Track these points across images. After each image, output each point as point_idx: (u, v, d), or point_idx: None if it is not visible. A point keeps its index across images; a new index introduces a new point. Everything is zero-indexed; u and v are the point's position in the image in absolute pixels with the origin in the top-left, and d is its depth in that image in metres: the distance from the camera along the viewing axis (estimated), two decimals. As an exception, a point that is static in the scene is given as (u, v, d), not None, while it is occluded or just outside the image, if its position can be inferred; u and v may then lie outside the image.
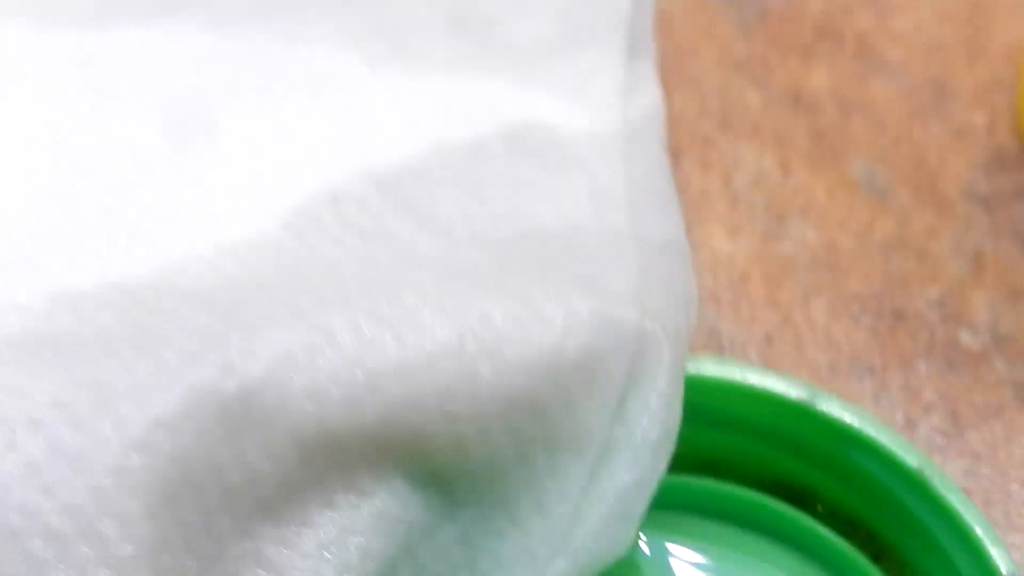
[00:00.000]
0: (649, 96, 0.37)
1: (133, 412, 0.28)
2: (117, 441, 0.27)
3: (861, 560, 0.33)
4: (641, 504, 0.30)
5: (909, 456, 0.32)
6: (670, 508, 0.33)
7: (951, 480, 0.32)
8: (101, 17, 0.37)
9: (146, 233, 0.33)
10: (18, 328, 0.30)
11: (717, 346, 0.37)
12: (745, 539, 0.34)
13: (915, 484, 0.32)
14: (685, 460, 0.31)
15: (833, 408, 0.33)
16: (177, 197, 0.33)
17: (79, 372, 0.28)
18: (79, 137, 0.34)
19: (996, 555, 0.31)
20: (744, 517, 0.34)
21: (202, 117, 0.35)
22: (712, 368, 0.33)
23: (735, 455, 0.34)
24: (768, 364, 0.36)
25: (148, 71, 0.36)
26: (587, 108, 0.36)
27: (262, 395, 0.28)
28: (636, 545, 0.33)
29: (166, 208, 0.33)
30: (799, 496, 0.34)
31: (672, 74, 0.40)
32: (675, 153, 0.36)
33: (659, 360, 0.31)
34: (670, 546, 0.34)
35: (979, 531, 0.31)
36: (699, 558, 0.34)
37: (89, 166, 0.34)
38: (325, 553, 0.29)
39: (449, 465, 0.30)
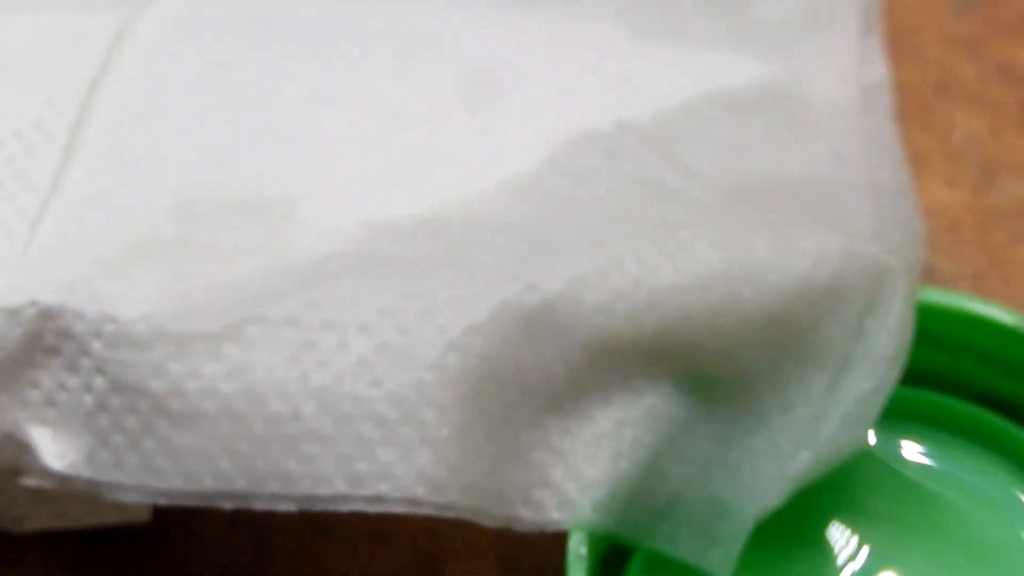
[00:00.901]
0: (879, 68, 0.37)
1: (452, 319, 0.29)
2: (437, 343, 0.29)
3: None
4: (876, 408, 0.31)
5: None
6: (897, 415, 0.33)
7: None
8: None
9: (445, 174, 0.34)
10: (343, 249, 0.31)
11: (932, 282, 0.37)
12: (958, 444, 0.34)
13: None
14: (911, 374, 0.31)
15: None
16: (470, 146, 0.35)
17: (405, 286, 0.30)
18: (391, 97, 0.36)
19: None
20: (958, 425, 0.34)
21: (492, 83, 0.35)
22: (938, 297, 0.33)
23: (954, 371, 0.34)
24: (978, 296, 0.36)
25: (447, 40, 0.37)
26: (828, 79, 0.36)
27: (559, 309, 0.30)
28: (868, 444, 0.32)
29: (462, 155, 0.34)
30: (1008, 408, 0.34)
31: (897, 48, 0.40)
32: (899, 117, 0.36)
33: (895, 288, 0.31)
34: (899, 443, 0.34)
35: None
36: (920, 458, 0.33)
37: (399, 120, 0.35)
38: (602, 441, 0.30)
39: (711, 371, 0.31)
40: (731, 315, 0.30)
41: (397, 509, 0.28)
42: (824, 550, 0.32)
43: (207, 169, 0.33)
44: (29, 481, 0.30)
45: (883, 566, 0.32)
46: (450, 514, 0.28)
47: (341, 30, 0.37)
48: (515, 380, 0.29)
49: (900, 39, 0.41)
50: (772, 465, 0.31)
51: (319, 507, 0.28)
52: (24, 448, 0.30)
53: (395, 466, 0.28)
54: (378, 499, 0.28)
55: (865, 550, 0.32)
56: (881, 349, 0.31)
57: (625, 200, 0.33)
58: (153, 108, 0.34)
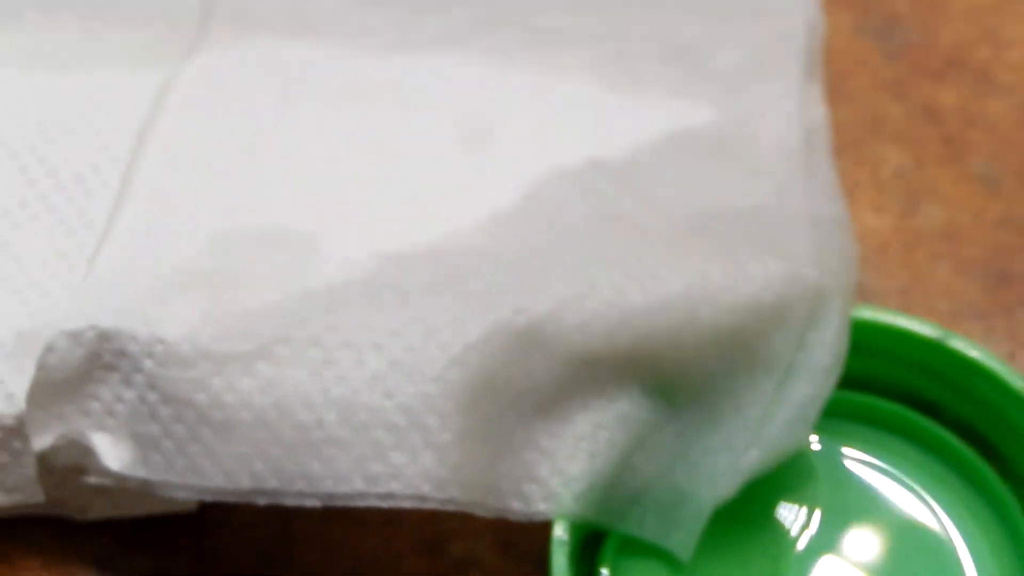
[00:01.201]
0: (819, 110, 0.38)
1: (452, 339, 0.30)
2: (440, 359, 0.30)
3: (973, 456, 0.34)
4: (816, 411, 0.31)
5: (1018, 381, 0.32)
6: (834, 415, 0.34)
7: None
8: (400, 47, 0.39)
9: (442, 209, 0.35)
10: (357, 277, 0.32)
11: (863, 297, 0.38)
12: (886, 438, 0.35)
13: (1019, 399, 0.32)
14: (847, 379, 0.32)
15: (960, 344, 0.33)
16: (464, 184, 0.36)
17: (411, 311, 0.31)
18: (392, 139, 0.36)
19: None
20: (885, 422, 0.35)
21: (482, 128, 0.36)
22: (869, 313, 0.33)
23: (883, 377, 0.34)
24: (903, 311, 0.37)
25: (442, 91, 0.38)
26: (774, 122, 0.37)
27: (543, 328, 0.31)
28: (810, 442, 0.33)
29: (457, 192, 0.35)
30: (929, 408, 0.34)
31: (834, 92, 0.41)
32: (836, 152, 0.37)
33: (832, 307, 0.32)
34: (836, 439, 0.35)
35: None
36: (854, 451, 0.34)
37: (402, 163, 0.36)
38: (582, 442, 0.31)
39: (674, 380, 0.32)
40: (690, 332, 0.31)
41: (407, 504, 0.29)
42: (773, 533, 0.32)
43: (239, 209, 0.34)
44: (91, 479, 0.31)
45: (823, 546, 0.32)
46: (451, 507, 0.29)
47: (350, 83, 0.38)
48: (507, 390, 0.30)
49: (836, 84, 0.42)
50: (726, 459, 0.31)
51: (339, 503, 0.29)
52: (87, 451, 0.31)
53: (405, 467, 0.29)
54: (390, 496, 0.29)
55: (808, 533, 0.32)
56: (820, 360, 0.31)
57: (597, 231, 0.34)
58: (193, 154, 0.35)
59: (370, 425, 0.29)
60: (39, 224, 0.34)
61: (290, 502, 0.30)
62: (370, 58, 0.38)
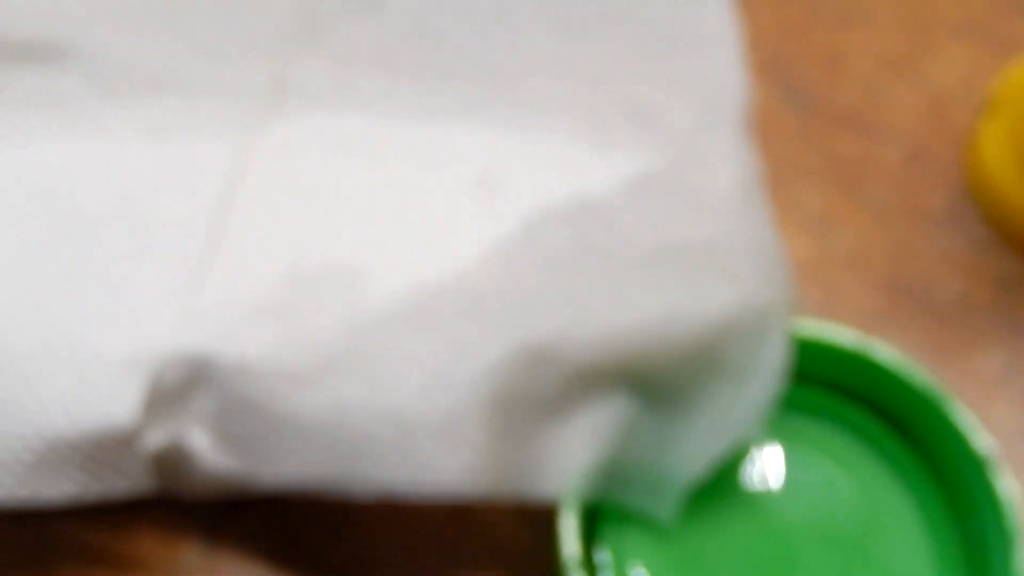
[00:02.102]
0: (751, 159, 0.34)
1: (481, 357, 0.28)
2: (472, 374, 0.27)
3: (891, 436, 0.31)
4: (767, 406, 0.29)
5: (917, 375, 0.29)
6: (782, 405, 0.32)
7: (944, 388, 0.31)
8: (425, 116, 0.35)
9: (462, 247, 0.31)
10: (399, 306, 0.29)
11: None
12: (822, 421, 0.31)
13: (922, 395, 0.30)
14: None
15: (877, 351, 0.30)
16: (478, 225, 0.32)
17: (447, 334, 0.28)
18: (422, 192, 0.33)
19: (972, 435, 0.29)
20: (820, 408, 0.31)
21: (492, 180, 0.33)
22: (804, 327, 0.30)
23: (818, 373, 0.31)
24: (823, 317, 0.33)
25: (460, 153, 0.34)
26: (719, 170, 0.33)
27: (551, 347, 0.29)
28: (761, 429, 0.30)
29: (473, 233, 0.32)
30: (852, 395, 0.31)
31: (759, 140, 0.37)
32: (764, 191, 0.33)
33: (775, 323, 0.30)
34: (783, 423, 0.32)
35: (958, 417, 0.29)
36: (796, 432, 0.31)
37: (428, 207, 0.33)
38: (585, 436, 0.29)
39: (654, 385, 0.30)
40: (665, 346, 0.29)
41: (449, 498, 0.25)
42: (737, 502, 0.30)
43: (308, 247, 0.31)
44: (196, 468, 0.28)
45: (775, 508, 0.30)
46: (484, 497, 0.26)
47: (389, 148, 0.34)
48: (524, 396, 0.28)
49: (759, 135, 0.38)
50: (696, 444, 0.29)
51: (395, 496, 0.25)
52: (192, 446, 0.27)
53: (447, 466, 0.26)
54: (437, 490, 0.26)
55: (764, 500, 0.30)
56: (769, 366, 0.29)
57: (586, 264, 0.31)
58: (268, 204, 0.32)
59: (418, 429, 0.26)
60: (150, 263, 0.30)
61: (355, 494, 0.26)
62: (403, 126, 0.35)
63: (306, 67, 0.37)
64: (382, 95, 0.36)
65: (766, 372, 0.29)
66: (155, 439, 0.27)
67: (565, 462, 0.28)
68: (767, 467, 0.31)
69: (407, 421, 0.26)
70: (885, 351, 0.30)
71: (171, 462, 0.28)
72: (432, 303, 0.29)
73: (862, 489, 0.30)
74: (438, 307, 0.29)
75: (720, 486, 0.30)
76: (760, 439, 0.31)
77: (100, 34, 0.35)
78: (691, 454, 0.29)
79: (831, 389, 0.31)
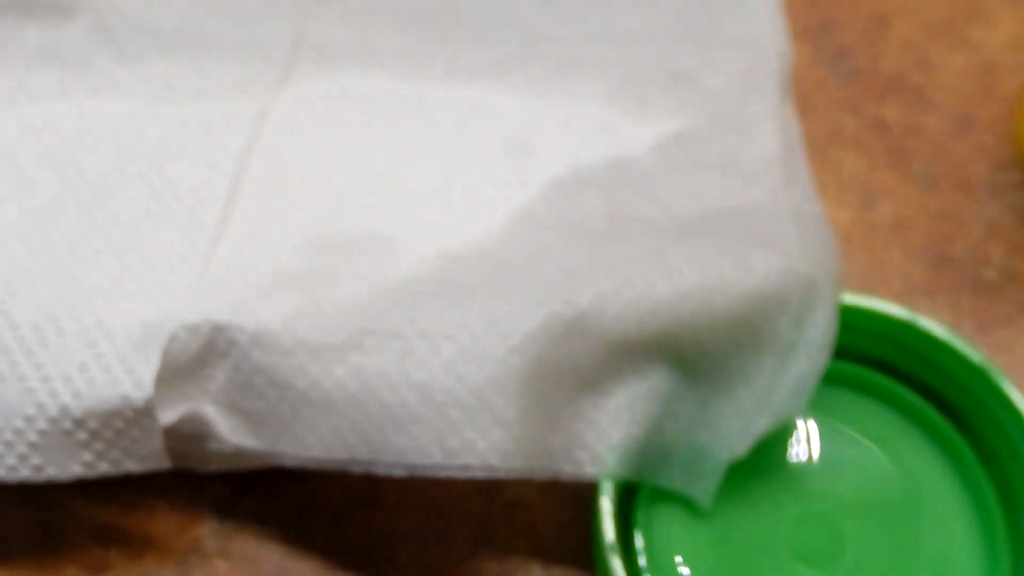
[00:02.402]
0: (794, 124, 0.32)
1: (512, 330, 0.26)
2: (503, 347, 0.25)
3: (935, 413, 0.29)
4: (813, 383, 0.27)
5: (973, 353, 0.27)
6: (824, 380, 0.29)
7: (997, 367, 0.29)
8: (451, 77, 0.34)
9: (495, 212, 0.30)
10: (428, 275, 0.27)
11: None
12: (862, 399, 0.30)
13: (977, 371, 0.28)
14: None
15: (925, 322, 0.29)
16: (510, 190, 0.30)
17: (476, 306, 0.26)
18: (450, 154, 0.32)
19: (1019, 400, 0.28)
20: (860, 384, 0.30)
21: (525, 143, 0.31)
22: (849, 298, 0.28)
23: (860, 348, 0.30)
24: (861, 288, 0.32)
25: (490, 116, 0.32)
26: (760, 135, 0.32)
27: (587, 318, 0.26)
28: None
29: (505, 197, 0.30)
30: (899, 374, 0.30)
31: (800, 107, 0.35)
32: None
33: (822, 293, 0.28)
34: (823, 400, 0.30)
35: (1012, 393, 0.28)
36: (836, 408, 0.30)
37: (458, 171, 0.31)
38: (621, 412, 0.26)
39: (694, 357, 0.27)
40: (707, 317, 0.27)
41: (479, 475, 0.24)
42: (776, 481, 0.28)
43: (328, 215, 0.29)
44: (212, 445, 0.26)
45: (816, 486, 0.28)
46: (515, 475, 0.24)
47: (415, 108, 0.32)
48: (557, 370, 0.26)
49: (801, 101, 0.36)
50: (737, 421, 0.27)
51: (422, 473, 0.24)
52: (206, 424, 0.26)
53: (477, 442, 0.24)
54: (466, 468, 0.24)
55: (804, 479, 0.28)
56: (815, 338, 0.27)
57: (624, 233, 0.29)
58: (286, 167, 0.30)
59: (446, 405, 0.24)
60: (162, 230, 0.28)
61: (380, 471, 0.25)
62: (429, 88, 0.33)
63: (326, 25, 0.35)
64: (407, 55, 0.35)
65: (812, 346, 0.27)
66: (168, 416, 0.25)
67: (600, 439, 0.26)
68: (806, 443, 0.29)
69: (435, 396, 0.24)
70: (934, 324, 0.28)
71: (186, 439, 0.26)
72: (460, 273, 0.27)
73: (904, 466, 0.28)
74: (467, 277, 0.27)
75: (757, 463, 0.28)
76: (800, 415, 0.29)
77: None
78: (732, 433, 0.26)
79: (870, 362, 0.30)
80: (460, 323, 0.25)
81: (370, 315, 0.25)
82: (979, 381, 0.28)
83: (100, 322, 0.26)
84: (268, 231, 0.28)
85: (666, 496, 0.27)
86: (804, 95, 0.37)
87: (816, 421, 0.29)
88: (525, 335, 0.25)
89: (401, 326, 0.25)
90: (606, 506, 0.25)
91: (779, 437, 0.28)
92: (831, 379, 0.29)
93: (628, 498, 0.27)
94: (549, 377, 0.25)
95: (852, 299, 0.29)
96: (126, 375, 0.25)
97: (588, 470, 0.26)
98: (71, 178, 0.29)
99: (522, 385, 0.25)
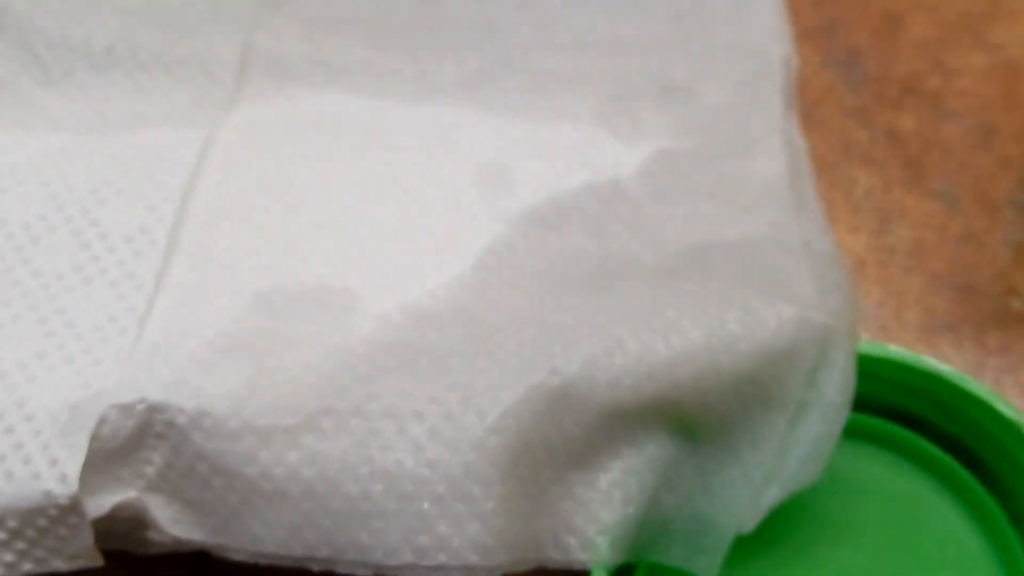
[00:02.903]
0: (799, 141, 0.29)
1: (489, 406, 0.23)
2: (479, 427, 0.22)
3: (962, 470, 0.26)
4: (829, 448, 0.25)
5: (1006, 408, 0.25)
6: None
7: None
8: (421, 94, 0.31)
9: (466, 258, 0.27)
10: (393, 339, 0.24)
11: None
12: (879, 451, 0.28)
13: (1010, 427, 0.26)
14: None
15: (953, 375, 0.26)
16: (485, 231, 0.27)
17: (448, 377, 0.23)
18: (417, 187, 0.28)
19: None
20: (881, 437, 0.28)
21: (500, 173, 0.28)
22: (867, 347, 0.26)
23: (871, 396, 0.27)
24: (877, 323, 0.29)
25: (462, 140, 0.29)
26: (763, 156, 0.29)
27: (576, 387, 0.23)
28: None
29: (478, 240, 0.27)
30: (915, 423, 0.27)
31: (806, 119, 0.32)
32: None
33: (839, 346, 0.25)
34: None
35: None
36: (854, 463, 0.27)
37: (428, 210, 0.28)
38: (614, 489, 0.23)
39: (696, 420, 0.25)
40: (711, 378, 0.24)
41: (456, 575, 0.21)
42: (787, 548, 0.26)
43: (280, 262, 0.26)
44: (152, 535, 0.23)
45: (830, 553, 0.26)
46: (497, 572, 0.22)
47: (378, 134, 0.29)
48: (542, 447, 0.23)
49: (808, 112, 0.34)
50: (745, 490, 0.24)
51: (390, 574, 0.21)
52: (144, 514, 0.23)
53: (451, 538, 0.21)
54: (440, 568, 0.22)
55: (818, 546, 0.26)
56: (831, 398, 0.25)
57: (612, 276, 0.26)
58: (233, 207, 0.27)
59: (415, 496, 0.22)
60: (91, 287, 0.25)
61: (343, 571, 0.22)
62: (395, 107, 0.30)
63: (278, 35, 0.32)
64: (368, 68, 0.32)
65: (827, 405, 0.24)
66: (100, 505, 0.22)
67: (590, 521, 0.23)
68: (820, 504, 0.26)
69: (403, 486, 0.21)
70: (961, 375, 0.26)
71: (122, 532, 0.23)
72: (430, 335, 0.24)
73: (929, 528, 0.26)
74: (437, 341, 0.24)
75: (765, 530, 0.25)
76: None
77: (32, 4, 0.31)
78: (738, 502, 0.24)
79: (890, 413, 0.27)
80: (430, 398, 0.22)
81: (327, 391, 0.23)
82: (1011, 437, 0.25)
83: (19, 403, 0.23)
84: (212, 285, 0.25)
85: (666, 572, 0.24)
86: (810, 104, 0.34)
87: (831, 479, 0.26)
88: (505, 411, 0.22)
89: (363, 403, 0.22)
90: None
91: (790, 499, 0.25)
92: (847, 432, 0.27)
93: (625, 571, 0.25)
94: (533, 457, 0.23)
95: (870, 348, 0.26)
96: (48, 468, 0.22)
97: (578, 556, 0.23)
98: None
99: (502, 470, 0.22)
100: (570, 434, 0.23)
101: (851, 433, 0.27)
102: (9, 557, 0.22)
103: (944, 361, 0.28)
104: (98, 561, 0.23)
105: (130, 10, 0.32)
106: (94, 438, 0.22)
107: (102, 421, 0.22)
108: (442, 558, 0.21)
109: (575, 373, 0.23)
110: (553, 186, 0.28)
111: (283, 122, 0.29)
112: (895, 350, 0.26)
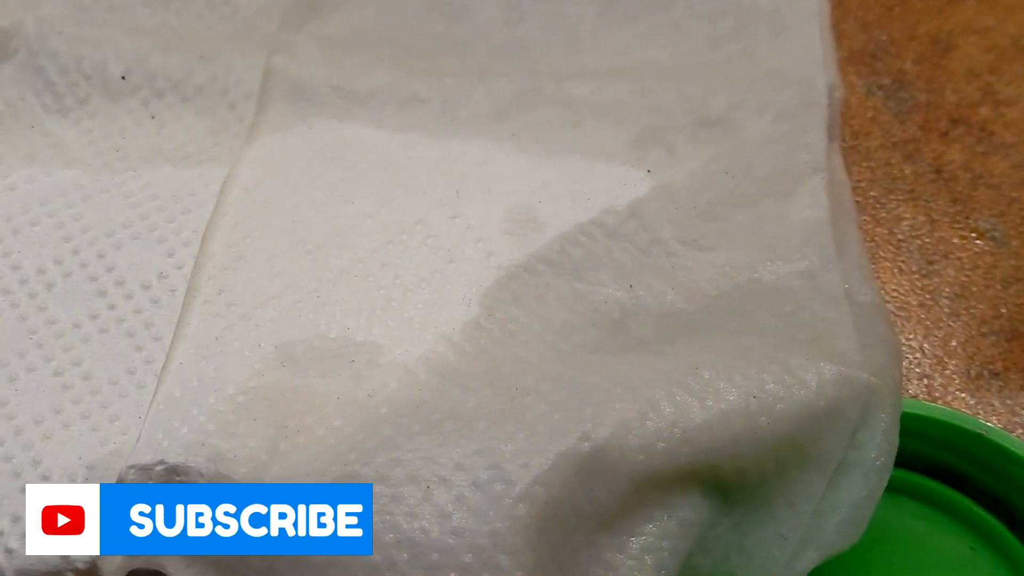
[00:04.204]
0: (843, 177, 0.29)
1: (518, 473, 0.23)
2: (507, 496, 0.22)
3: (1006, 532, 0.26)
4: (869, 511, 0.25)
5: None
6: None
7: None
8: (447, 124, 0.31)
9: (491, 303, 0.27)
10: (414, 398, 0.24)
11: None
12: (922, 510, 0.28)
13: None
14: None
15: (998, 433, 0.26)
16: (513, 278, 0.27)
17: (474, 442, 0.23)
18: (445, 232, 0.28)
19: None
20: (922, 494, 0.28)
21: (530, 216, 0.29)
22: (907, 405, 0.26)
23: (922, 455, 0.27)
24: (919, 371, 0.29)
25: (490, 178, 0.29)
26: (805, 196, 0.28)
27: (608, 453, 0.23)
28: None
29: (509, 290, 0.27)
30: (957, 481, 0.27)
31: (850, 151, 0.32)
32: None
33: (882, 406, 0.25)
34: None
35: None
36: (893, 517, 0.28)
37: (453, 255, 0.28)
38: (646, 554, 0.23)
39: (731, 482, 0.24)
40: (749, 441, 0.24)
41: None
42: None
43: (302, 311, 0.26)
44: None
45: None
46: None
47: (403, 171, 0.29)
48: (572, 513, 0.23)
49: (852, 142, 0.33)
50: (780, 551, 0.24)
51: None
52: (164, 571, 0.23)
53: None
54: (467, 645, 0.22)
55: None
56: (872, 459, 0.24)
57: (640, 328, 0.26)
58: (253, 250, 0.27)
59: (442, 566, 0.22)
60: (108, 336, 0.25)
61: (365, 644, 0.22)
62: (421, 141, 0.30)
63: (299, 58, 0.32)
64: (393, 95, 0.31)
65: (869, 467, 0.24)
66: (117, 570, 0.22)
67: None
68: (856, 560, 0.27)
69: (429, 556, 0.21)
70: (1006, 435, 0.26)
71: None
72: (454, 394, 0.24)
73: None
74: (465, 406, 0.24)
75: None
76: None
77: (44, 28, 0.31)
78: (772, 562, 0.24)
79: (933, 471, 0.27)
80: (457, 464, 0.22)
81: (350, 456, 0.23)
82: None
83: (35, 462, 0.23)
84: (233, 336, 0.25)
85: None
86: (854, 135, 0.34)
87: (870, 533, 0.26)
88: (534, 479, 0.22)
89: (386, 468, 0.22)
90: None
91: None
92: (888, 485, 0.27)
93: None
94: (563, 524, 0.23)
95: (911, 405, 0.26)
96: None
97: (611, 627, 0.23)
98: None
99: (531, 539, 0.22)
100: (601, 499, 0.23)
101: (892, 488, 0.27)
102: None
103: (990, 410, 0.27)
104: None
105: (145, 31, 0.32)
106: (106, 503, 0.23)
107: (120, 482, 0.23)
108: (469, 634, 0.22)
109: (607, 438, 0.23)
110: (584, 231, 0.28)
111: (304, 157, 0.29)
112: (937, 408, 0.26)
